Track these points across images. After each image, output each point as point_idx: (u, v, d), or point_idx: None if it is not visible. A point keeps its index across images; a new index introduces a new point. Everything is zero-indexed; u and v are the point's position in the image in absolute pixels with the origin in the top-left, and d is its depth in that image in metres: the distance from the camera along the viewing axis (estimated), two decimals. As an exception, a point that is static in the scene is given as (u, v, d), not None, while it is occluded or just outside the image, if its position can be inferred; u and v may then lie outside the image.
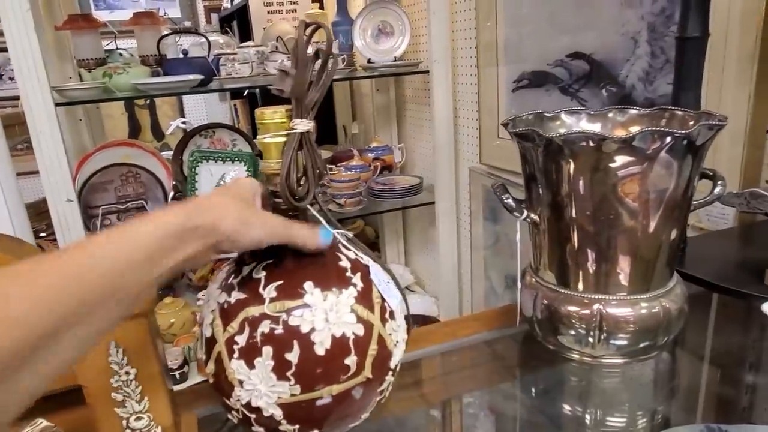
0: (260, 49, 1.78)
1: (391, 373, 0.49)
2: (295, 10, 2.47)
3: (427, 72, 1.65)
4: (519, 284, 0.63)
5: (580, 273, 0.57)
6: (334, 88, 2.56)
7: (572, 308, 0.57)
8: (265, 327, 0.44)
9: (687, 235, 0.73)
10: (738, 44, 0.84)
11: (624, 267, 0.55)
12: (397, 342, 0.49)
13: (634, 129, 0.59)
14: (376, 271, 0.50)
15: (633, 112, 0.61)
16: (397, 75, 1.86)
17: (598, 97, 1.14)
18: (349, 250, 0.50)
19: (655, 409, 0.58)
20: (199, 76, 1.48)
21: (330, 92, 2.58)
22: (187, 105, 3.76)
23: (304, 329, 0.44)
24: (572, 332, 0.57)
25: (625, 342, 0.56)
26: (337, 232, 0.49)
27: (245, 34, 2.57)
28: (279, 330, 0.43)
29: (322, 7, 2.42)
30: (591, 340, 0.56)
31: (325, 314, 0.44)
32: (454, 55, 1.65)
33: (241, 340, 0.44)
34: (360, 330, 0.45)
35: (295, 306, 0.44)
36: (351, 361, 0.45)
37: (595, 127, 0.62)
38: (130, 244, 0.33)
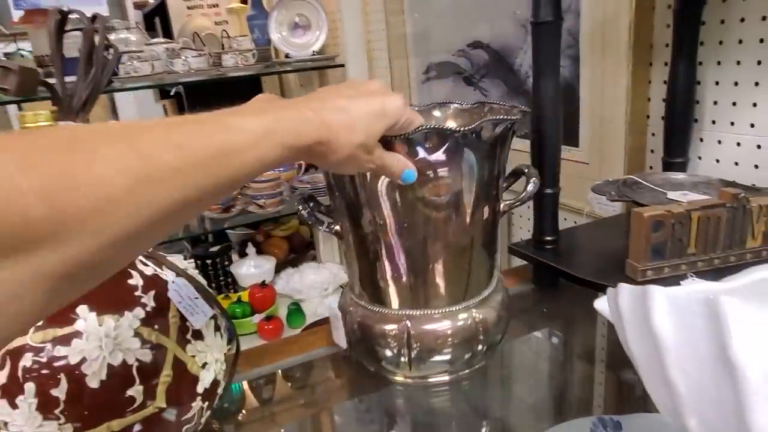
0: (170, 45, 1.70)
1: (200, 398, 0.45)
2: (217, 5, 2.39)
3: (343, 66, 1.61)
4: (334, 303, 0.59)
5: (386, 288, 0.52)
6: (262, 84, 2.48)
7: (382, 327, 0.52)
8: (27, 360, 0.38)
9: (559, 227, 0.71)
10: (615, 30, 0.82)
11: (430, 280, 0.51)
12: (206, 363, 0.45)
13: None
14: (179, 286, 0.45)
15: (455, 106, 0.57)
16: (311, 69, 1.81)
17: (499, 87, 1.12)
18: (147, 265, 0.45)
19: (487, 421, 0.55)
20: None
21: (258, 88, 2.50)
22: (119, 104, 3.61)
23: (73, 360, 0.38)
24: (387, 352, 0.52)
25: (440, 358, 0.52)
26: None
27: (168, 30, 2.47)
28: (43, 363, 0.38)
29: (244, 1, 2.33)
30: (404, 359, 0.51)
31: (100, 341, 0.39)
32: (370, 47, 1.61)
33: (2, 376, 0.39)
34: (147, 355, 0.41)
35: (64, 334, 0.39)
36: (136, 391, 0.40)
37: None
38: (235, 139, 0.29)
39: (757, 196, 0.62)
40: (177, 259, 0.48)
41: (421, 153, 0.46)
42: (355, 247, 0.53)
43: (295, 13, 1.78)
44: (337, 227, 0.54)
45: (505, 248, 0.77)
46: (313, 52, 1.76)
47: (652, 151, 0.85)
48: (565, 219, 1.01)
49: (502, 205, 0.54)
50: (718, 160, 0.76)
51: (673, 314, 0.31)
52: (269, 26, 1.76)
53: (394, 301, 0.52)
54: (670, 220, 0.58)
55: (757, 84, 0.69)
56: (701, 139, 0.77)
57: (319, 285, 1.95)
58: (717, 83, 0.74)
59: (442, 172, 0.47)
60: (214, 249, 2.04)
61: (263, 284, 1.77)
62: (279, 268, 2.05)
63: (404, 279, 0.51)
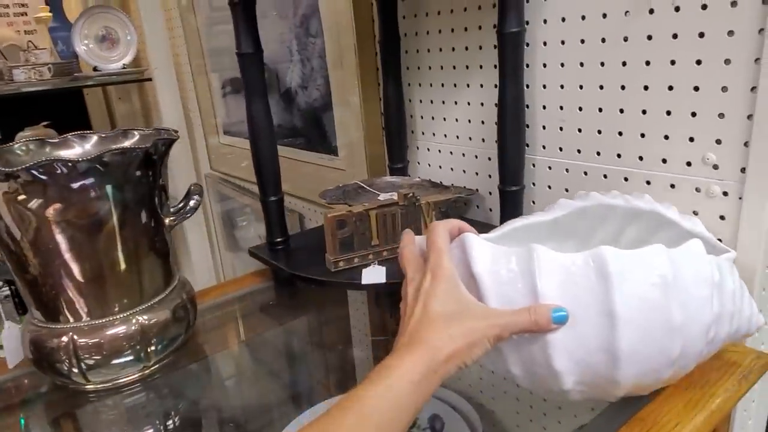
0: (-43, 59, 1.59)
1: None
2: (26, 13, 2.25)
3: (150, 80, 1.62)
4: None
5: (52, 305, 0.57)
6: (85, 96, 2.38)
7: (52, 342, 0.57)
8: None
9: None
10: (349, 54, 0.95)
11: (91, 294, 0.56)
12: None
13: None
14: None
15: (95, 137, 0.65)
16: (118, 84, 1.79)
17: (278, 103, 1.21)
18: None
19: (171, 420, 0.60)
20: None
21: (81, 101, 2.39)
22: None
23: None
24: (61, 366, 0.57)
25: (117, 361, 0.57)
26: None
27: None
28: None
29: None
30: (75, 370, 0.57)
31: None
32: (178, 62, 1.63)
33: None
34: None
35: None
36: None
37: (68, 153, 0.64)
38: (396, 404, 0.36)
39: (427, 195, 0.77)
40: None
41: (51, 183, 0.51)
42: (19, 269, 0.57)
43: (102, 26, 1.75)
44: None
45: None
46: (124, 65, 1.75)
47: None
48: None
49: (168, 221, 0.62)
50: (429, 164, 0.91)
51: (492, 261, 0.42)
52: (73, 38, 1.72)
53: (61, 316, 0.57)
54: (351, 218, 0.70)
55: (443, 102, 0.85)
56: (417, 147, 0.92)
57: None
58: (421, 101, 0.89)
59: (78, 198, 0.53)
60: None
61: None
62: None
63: (65, 295, 0.56)
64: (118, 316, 0.58)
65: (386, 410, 0.35)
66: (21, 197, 0.51)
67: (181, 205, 0.64)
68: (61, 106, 2.15)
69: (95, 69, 1.73)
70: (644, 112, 0.61)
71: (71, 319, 0.57)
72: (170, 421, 0.59)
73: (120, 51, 1.76)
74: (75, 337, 0.56)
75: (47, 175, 0.50)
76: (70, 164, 0.50)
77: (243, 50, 0.71)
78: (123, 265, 0.57)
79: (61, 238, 0.53)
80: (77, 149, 0.67)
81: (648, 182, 0.62)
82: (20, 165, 0.49)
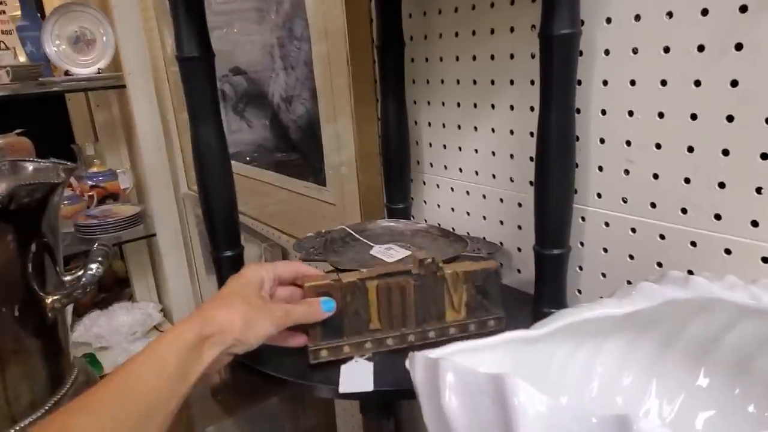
0: None
1: None
2: (4, 12, 2.08)
3: (124, 86, 1.43)
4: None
5: None
6: (67, 102, 2.20)
7: None
8: None
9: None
10: (339, 63, 0.75)
11: None
12: None
13: None
14: None
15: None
16: (88, 90, 1.61)
17: (260, 117, 1.02)
18: None
19: None
20: None
21: (63, 106, 2.21)
22: None
23: None
24: None
25: None
26: None
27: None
28: None
29: (36, 9, 2.05)
30: None
31: None
32: (156, 66, 1.45)
33: None
34: None
35: None
36: None
37: None
38: (161, 361, 0.38)
39: (453, 261, 0.56)
40: None
41: None
42: None
43: (77, 26, 1.57)
44: None
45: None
46: (99, 69, 1.56)
47: (391, 191, 0.79)
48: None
49: (51, 300, 0.42)
50: (438, 205, 0.71)
51: (462, 393, 0.30)
52: (43, 39, 1.53)
53: None
54: (340, 290, 0.49)
55: (459, 127, 0.65)
56: (423, 182, 0.72)
57: (127, 328, 1.74)
58: (429, 124, 0.69)
59: None
60: None
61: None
62: (83, 312, 1.80)
63: None
64: None
65: (150, 373, 0.37)
66: None
67: (79, 274, 0.44)
68: (42, 112, 1.97)
69: (66, 73, 1.55)
70: (765, 156, 0.40)
71: None
72: None
73: (95, 54, 1.58)
74: None
75: None
76: None
77: (185, 53, 0.51)
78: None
79: None
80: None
81: (765, 259, 0.42)
82: None
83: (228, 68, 1.06)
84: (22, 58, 1.67)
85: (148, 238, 1.56)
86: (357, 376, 0.47)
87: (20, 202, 0.37)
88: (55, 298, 0.42)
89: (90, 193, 1.66)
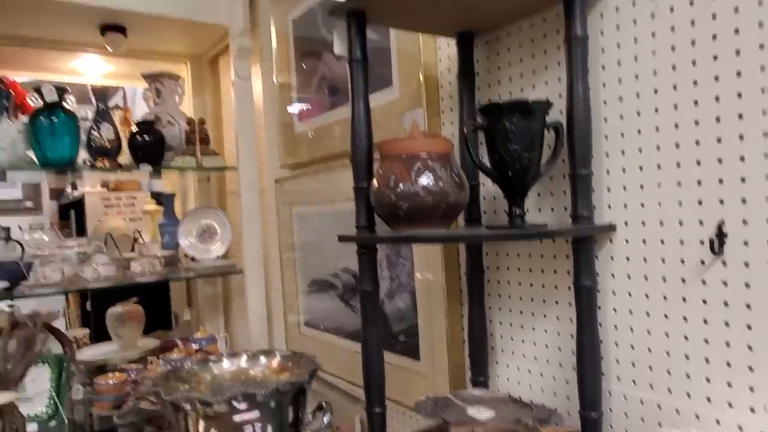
0: (82, 249, 1.87)
1: None
2: (133, 204, 2.64)
3: (242, 272, 1.84)
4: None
5: None
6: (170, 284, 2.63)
7: None
8: None
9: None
10: (437, 281, 1.13)
11: None
12: None
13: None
14: None
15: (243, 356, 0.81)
16: (214, 276, 2.03)
17: (363, 305, 1.38)
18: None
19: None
20: (4, 283, 1.51)
21: (166, 288, 2.63)
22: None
23: None
24: None
25: None
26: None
27: (82, 224, 2.64)
28: None
29: (160, 203, 2.60)
30: None
31: None
32: (267, 258, 1.87)
33: None
34: None
35: None
36: None
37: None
38: None
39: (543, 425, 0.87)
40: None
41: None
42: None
43: (203, 222, 2.05)
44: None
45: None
46: (217, 256, 2.00)
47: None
48: None
49: None
50: (508, 379, 1.03)
51: None
52: (179, 234, 2.00)
53: None
54: (454, 437, 0.80)
55: (522, 326, 0.99)
56: (497, 362, 1.05)
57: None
58: (500, 323, 1.04)
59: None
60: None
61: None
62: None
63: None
64: None
65: None
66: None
67: (311, 421, 0.76)
68: (146, 291, 2.39)
69: (192, 258, 1.99)
70: (728, 366, 0.73)
71: None
72: None
73: (217, 245, 2.04)
74: None
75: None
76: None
77: (365, 287, 0.89)
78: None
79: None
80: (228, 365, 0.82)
81: None
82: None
83: (339, 268, 1.46)
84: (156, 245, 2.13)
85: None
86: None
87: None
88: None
89: (197, 355, 2.00)
